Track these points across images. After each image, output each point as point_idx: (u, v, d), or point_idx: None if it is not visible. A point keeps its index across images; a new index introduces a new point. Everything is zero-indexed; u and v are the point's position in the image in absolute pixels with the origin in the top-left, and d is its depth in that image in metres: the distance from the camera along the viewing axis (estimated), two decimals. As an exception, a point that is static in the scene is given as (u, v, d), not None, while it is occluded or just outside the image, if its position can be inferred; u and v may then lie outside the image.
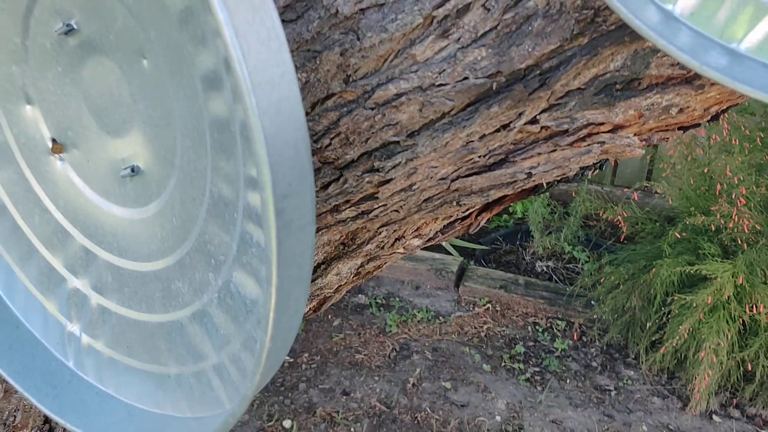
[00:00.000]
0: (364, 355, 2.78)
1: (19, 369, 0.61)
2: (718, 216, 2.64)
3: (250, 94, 0.33)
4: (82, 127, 0.54)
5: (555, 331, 3.03)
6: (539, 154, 0.59)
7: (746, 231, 2.57)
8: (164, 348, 0.54)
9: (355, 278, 0.75)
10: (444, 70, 0.52)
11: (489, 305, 3.14)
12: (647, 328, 2.73)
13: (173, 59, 0.44)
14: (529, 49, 0.51)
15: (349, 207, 0.62)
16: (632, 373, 2.84)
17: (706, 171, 2.76)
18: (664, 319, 2.69)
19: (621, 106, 0.55)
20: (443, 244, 3.40)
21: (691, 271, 2.60)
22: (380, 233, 0.67)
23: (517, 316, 3.10)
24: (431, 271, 3.27)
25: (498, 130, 0.56)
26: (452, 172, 0.60)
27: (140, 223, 0.53)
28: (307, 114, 0.55)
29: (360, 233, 0.67)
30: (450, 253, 3.40)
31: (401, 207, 0.63)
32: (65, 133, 0.56)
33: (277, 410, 2.46)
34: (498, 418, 2.50)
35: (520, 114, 0.55)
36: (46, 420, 0.75)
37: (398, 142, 0.56)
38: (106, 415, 0.57)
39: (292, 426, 2.39)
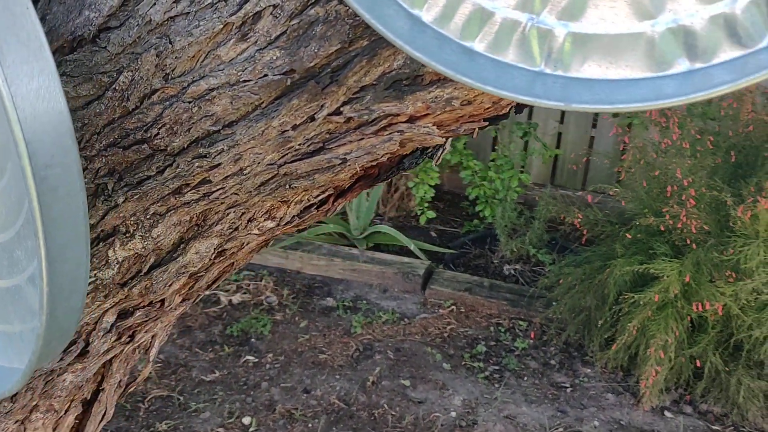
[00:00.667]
0: (328, 355, 2.86)
1: None
2: (668, 217, 2.72)
3: (4, 83, 0.42)
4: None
5: (517, 331, 3.11)
6: (350, 142, 0.68)
7: (694, 231, 2.65)
8: (11, 309, 0.63)
9: (221, 258, 0.84)
10: (246, 69, 0.61)
11: (453, 307, 3.22)
12: (600, 326, 2.81)
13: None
14: (316, 50, 0.60)
15: (190, 190, 0.71)
16: (589, 370, 2.91)
17: (657, 173, 2.84)
18: (616, 317, 2.77)
19: (409, 99, 0.64)
20: (412, 248, 3.49)
21: (643, 271, 2.68)
22: (228, 214, 0.76)
23: (480, 317, 3.18)
24: (399, 275, 3.36)
25: (307, 121, 0.65)
26: (279, 159, 0.69)
27: (-11, 201, 0.62)
28: (135, 108, 0.64)
29: (209, 215, 0.76)
30: (418, 257, 3.49)
31: (239, 190, 0.72)
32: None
33: (237, 408, 2.54)
34: (453, 413, 2.58)
35: (322, 106, 0.64)
36: None
37: (219, 131, 0.65)
38: (-31, 370, 0.66)
39: (251, 422, 2.47)
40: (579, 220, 3.02)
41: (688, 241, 2.70)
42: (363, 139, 0.68)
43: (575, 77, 0.53)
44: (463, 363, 2.89)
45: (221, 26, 0.60)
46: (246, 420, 2.48)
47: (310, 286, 3.33)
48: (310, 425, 2.48)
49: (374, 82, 0.63)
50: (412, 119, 0.67)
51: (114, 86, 0.63)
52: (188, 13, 0.59)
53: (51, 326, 0.51)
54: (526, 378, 2.85)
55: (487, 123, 0.74)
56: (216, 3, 0.59)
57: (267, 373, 2.73)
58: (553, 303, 3.04)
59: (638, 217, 2.84)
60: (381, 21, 0.54)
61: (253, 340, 2.92)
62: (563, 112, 4.18)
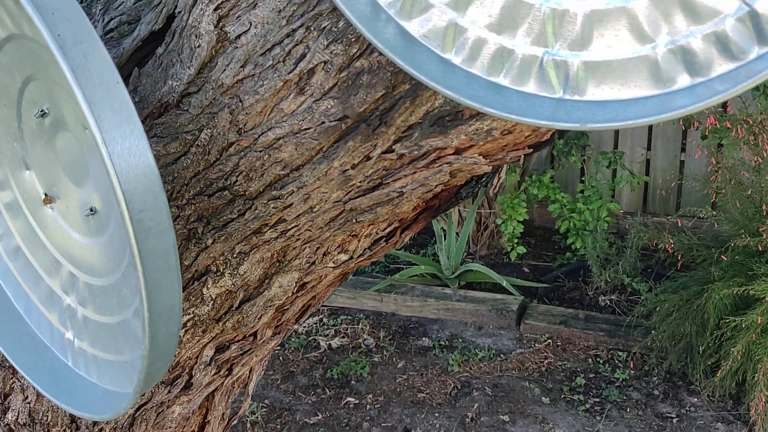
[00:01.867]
0: (426, 393, 2.90)
1: (33, 367, 0.81)
2: (765, 236, 2.65)
3: (102, 144, 0.52)
4: (61, 183, 0.75)
5: (616, 361, 3.07)
6: (405, 176, 0.76)
7: (794, 249, 2.57)
8: (122, 341, 0.73)
9: (303, 291, 0.92)
10: (306, 118, 0.70)
11: (550, 341, 3.21)
12: (702, 352, 2.74)
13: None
14: (364, 97, 0.68)
15: (269, 229, 0.80)
16: (695, 399, 2.83)
17: (749, 193, 2.78)
18: (718, 342, 2.69)
19: (453, 133, 0.71)
20: (504, 284, 3.50)
21: (743, 293, 2.61)
22: (304, 249, 0.85)
23: (578, 350, 3.15)
24: (492, 312, 3.38)
25: (364, 160, 0.73)
26: (343, 196, 0.78)
27: (99, 248, 0.73)
28: (216, 160, 0.74)
29: (288, 251, 0.84)
30: (511, 293, 3.50)
31: (311, 226, 0.81)
32: (51, 188, 0.77)
33: (341, 448, 2.61)
34: (554, 447, 2.56)
35: (375, 146, 0.72)
36: (73, 419, 0.95)
37: (288, 175, 0.74)
38: (89, 397, 0.76)
39: (355, 462, 2.53)
40: (671, 245, 2.97)
41: (790, 260, 2.61)
42: (416, 172, 0.75)
43: (591, 100, 0.59)
44: (563, 396, 2.87)
45: (282, 83, 0.69)
46: (349, 460, 2.55)
47: (406, 327, 3.40)
48: (411, 463, 2.52)
49: (420, 121, 0.71)
50: (458, 151, 0.74)
51: (197, 143, 0.74)
52: (253, 75, 0.69)
53: (153, 348, 0.60)
54: (628, 409, 2.80)
55: (531, 150, 0.80)
56: (275, 64, 0.68)
57: (368, 414, 2.80)
58: (652, 331, 2.98)
59: (734, 239, 2.77)
60: (415, 66, 0.61)
61: (353, 382, 3.00)
62: (650, 139, 4.13)
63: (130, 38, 0.75)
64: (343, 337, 3.32)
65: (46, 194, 0.78)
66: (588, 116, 0.58)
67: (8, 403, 0.93)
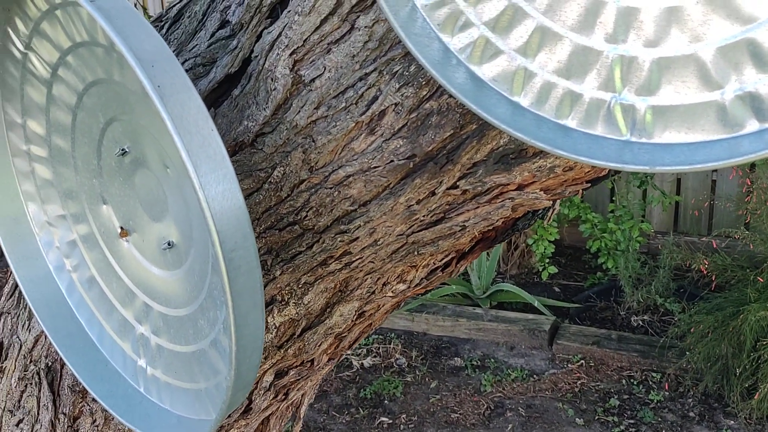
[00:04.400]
0: (460, 414, 2.91)
1: (108, 394, 0.84)
2: (801, 257, 2.64)
3: (200, 189, 0.55)
4: (137, 217, 0.78)
5: (650, 383, 3.05)
6: (467, 210, 0.78)
7: (831, 270, 2.56)
8: (197, 370, 0.76)
9: (361, 319, 0.95)
10: (375, 157, 0.73)
11: (583, 361, 3.20)
12: (739, 374, 2.72)
13: (183, 170, 0.67)
14: (433, 137, 0.71)
15: (334, 261, 0.83)
16: (732, 422, 2.81)
17: (784, 213, 2.77)
18: (755, 364, 2.68)
19: (517, 170, 0.74)
20: (536, 304, 3.50)
21: (780, 315, 2.60)
22: (366, 280, 0.87)
23: (611, 371, 3.14)
24: (524, 332, 3.38)
25: (429, 195, 0.76)
26: (407, 230, 0.80)
27: (176, 281, 0.76)
28: (287, 196, 0.77)
29: (350, 281, 0.87)
30: (543, 313, 3.50)
31: (375, 258, 0.83)
32: (128, 222, 0.80)
33: (376, 468, 2.62)
34: (590, 469, 2.55)
35: (441, 182, 0.75)
36: (136, 443, 0.98)
37: (356, 210, 0.77)
38: (163, 423, 0.80)
39: (390, 482, 2.54)
40: (705, 266, 2.96)
41: (827, 281, 2.60)
42: (479, 207, 0.78)
43: (658, 143, 0.61)
44: (597, 417, 2.86)
45: (353, 124, 0.72)
46: (384, 480, 2.56)
47: (438, 346, 3.41)
48: (447, 484, 2.52)
49: (484, 158, 0.74)
50: (520, 187, 0.76)
51: (269, 180, 0.77)
52: (327, 116, 0.72)
53: (237, 380, 0.63)
54: (664, 431, 2.78)
55: (589, 185, 0.83)
56: (348, 106, 0.71)
57: (402, 434, 2.81)
58: (687, 352, 2.97)
59: (769, 260, 2.76)
60: (485, 109, 0.64)
61: (386, 401, 3.01)
62: (681, 158, 4.12)
63: (205, 80, 0.79)
64: (375, 356, 3.34)
65: (122, 228, 0.81)
66: (656, 158, 0.60)
67: (77, 425, 0.96)
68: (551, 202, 0.81)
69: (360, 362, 3.28)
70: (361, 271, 0.86)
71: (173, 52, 0.84)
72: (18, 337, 1.00)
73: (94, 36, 0.69)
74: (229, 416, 1.00)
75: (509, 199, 0.77)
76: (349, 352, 1.07)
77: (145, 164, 0.74)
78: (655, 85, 0.60)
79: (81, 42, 0.71)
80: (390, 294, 0.92)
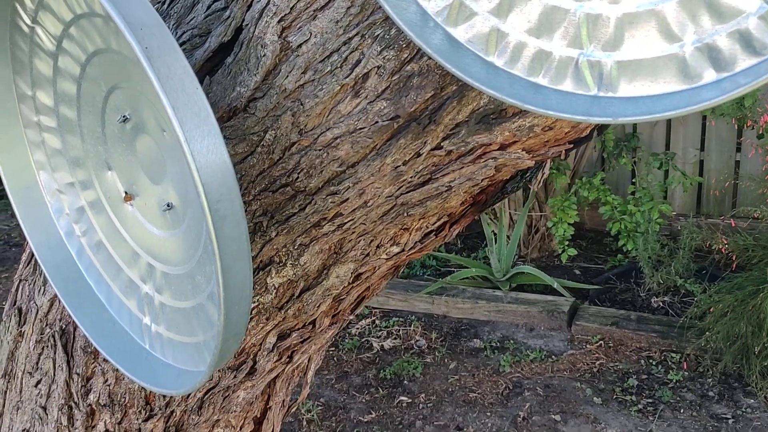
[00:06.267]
0: (478, 393, 2.94)
1: (116, 351, 0.89)
2: (821, 235, 2.62)
3: (185, 143, 0.59)
4: (140, 182, 0.83)
5: (669, 363, 3.06)
6: (453, 171, 0.81)
7: None
8: (196, 324, 0.80)
9: (358, 282, 0.98)
10: (361, 118, 0.76)
11: (601, 342, 3.21)
12: (759, 353, 2.72)
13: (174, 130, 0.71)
14: (415, 98, 0.74)
15: (327, 222, 0.86)
16: (752, 401, 2.81)
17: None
18: (774, 343, 2.67)
19: (497, 130, 0.77)
20: (555, 286, 3.52)
21: (799, 293, 2.59)
22: (359, 242, 0.91)
23: (630, 351, 3.15)
24: (544, 313, 3.39)
25: (414, 156, 0.80)
26: (395, 191, 0.84)
27: (176, 240, 0.80)
28: (279, 158, 0.81)
29: (344, 243, 0.91)
30: (562, 295, 3.51)
31: (366, 220, 0.87)
32: (131, 186, 0.85)
33: (394, 445, 2.66)
34: (606, 447, 2.57)
35: (425, 143, 0.78)
36: (147, 401, 1.03)
37: (344, 171, 0.81)
38: (165, 376, 0.84)
39: (408, 459, 2.59)
40: (726, 246, 2.95)
41: None
42: (463, 167, 0.81)
43: (623, 97, 0.64)
44: (615, 397, 2.87)
45: (339, 87, 0.76)
46: (403, 457, 2.60)
47: (457, 328, 3.44)
48: (464, 461, 2.56)
49: (466, 119, 0.77)
50: (503, 147, 0.79)
51: (262, 143, 0.81)
52: (313, 80, 0.76)
53: (227, 326, 0.67)
54: (682, 410, 2.79)
55: (572, 146, 0.85)
56: (333, 70, 0.75)
57: (420, 413, 2.85)
58: (706, 332, 2.97)
59: (790, 238, 2.75)
60: (461, 69, 0.67)
61: (405, 382, 3.05)
62: (703, 140, 4.10)
63: (201, 49, 0.83)
64: (395, 338, 3.38)
65: (126, 192, 0.86)
66: (620, 111, 0.62)
67: (90, 385, 1.02)
68: (535, 163, 0.84)
69: (380, 344, 3.33)
70: (353, 232, 0.89)
71: (173, 25, 0.89)
72: (35, 302, 1.05)
73: (92, 7, 0.73)
74: (235, 376, 1.04)
75: (492, 158, 0.80)
76: (351, 316, 1.11)
77: (145, 129, 0.78)
78: (619, 40, 0.63)
79: (81, 14, 0.76)
80: (384, 256, 0.95)
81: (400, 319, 3.54)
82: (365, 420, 2.82)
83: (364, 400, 2.94)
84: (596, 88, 0.65)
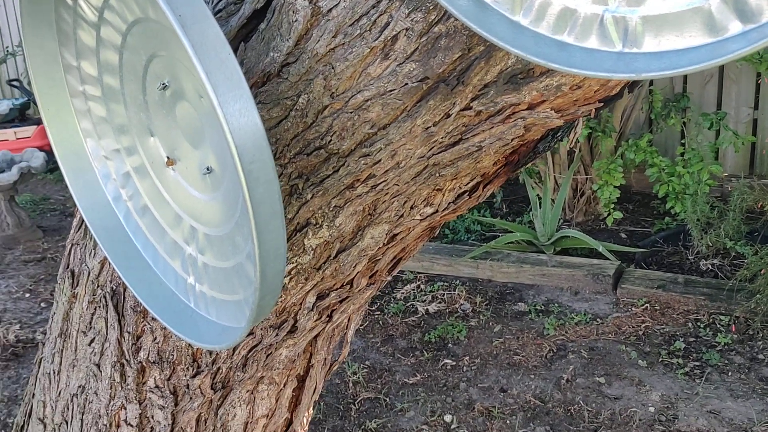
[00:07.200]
0: (522, 356, 2.96)
1: (163, 310, 0.93)
2: None
3: (218, 106, 0.62)
4: (181, 147, 0.86)
5: (717, 326, 3.03)
6: (483, 131, 0.83)
7: None
8: (236, 282, 0.84)
9: (393, 243, 1.01)
10: (390, 80, 0.78)
11: (647, 305, 3.19)
12: (809, 315, 2.67)
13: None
14: (443, 59, 0.76)
15: (360, 184, 0.89)
16: (803, 363, 2.77)
17: None
18: (826, 304, 2.62)
19: (525, 90, 0.78)
20: (600, 249, 3.49)
21: None
22: (393, 203, 0.93)
23: (677, 314, 3.12)
24: (589, 276, 3.38)
25: (444, 117, 0.81)
26: (427, 151, 0.85)
27: (215, 202, 0.83)
28: (313, 122, 0.83)
29: (378, 204, 0.93)
30: (608, 259, 3.49)
31: (398, 181, 0.89)
32: (173, 152, 0.88)
33: (439, 407, 2.71)
34: (651, 408, 2.57)
35: (454, 104, 0.79)
36: (194, 358, 1.08)
37: (376, 133, 0.82)
38: (210, 332, 0.88)
39: (452, 420, 2.63)
40: (776, 206, 2.89)
41: None
42: (493, 127, 0.82)
43: (648, 52, 0.64)
44: (660, 360, 2.86)
45: (368, 50, 0.77)
46: (447, 418, 2.64)
47: (502, 292, 3.45)
48: (508, 422, 2.59)
49: (494, 79, 0.78)
50: (531, 107, 0.80)
51: (295, 107, 0.83)
52: (344, 44, 0.78)
53: (263, 282, 0.70)
54: (730, 373, 2.76)
55: (602, 104, 0.86)
56: (363, 33, 0.76)
57: (465, 375, 2.88)
58: (756, 294, 2.92)
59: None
60: (487, 29, 0.68)
61: (450, 345, 3.09)
62: (757, 99, 3.99)
63: (236, 17, 0.85)
64: (440, 302, 3.41)
65: (168, 157, 0.89)
66: (645, 66, 0.63)
67: (140, 343, 1.07)
68: (565, 123, 0.84)
69: (425, 308, 3.36)
70: (386, 193, 0.91)
71: (209, -6, 0.91)
72: (86, 264, 1.10)
73: (129, -23, 0.76)
74: (277, 334, 1.08)
75: (521, 118, 0.81)
76: (389, 277, 1.13)
77: (184, 96, 0.81)
78: (643, -5, 0.63)
79: (120, -16, 0.78)
80: (418, 217, 0.97)
81: (445, 283, 3.57)
82: (410, 382, 2.86)
83: (409, 363, 2.99)
84: (621, 44, 0.65)
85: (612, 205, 3.65)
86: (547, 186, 3.79)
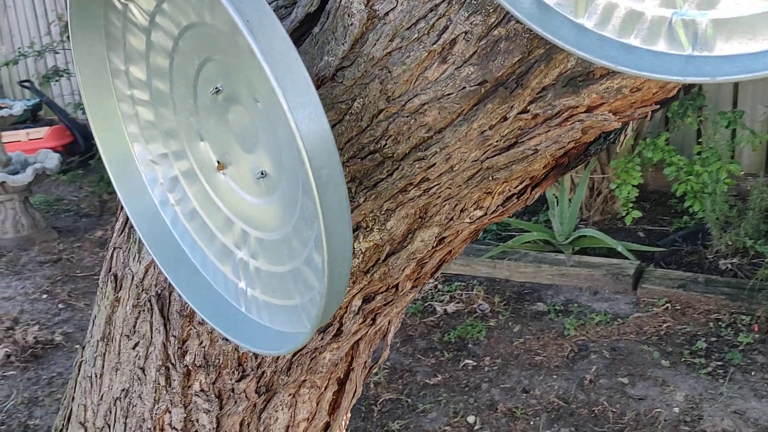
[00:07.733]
0: (543, 356, 2.95)
1: (214, 315, 0.93)
2: None
3: (289, 112, 0.61)
4: (232, 151, 0.86)
5: (739, 325, 3.02)
6: (539, 134, 0.82)
7: None
8: (292, 287, 0.83)
9: (441, 246, 1.00)
10: (448, 84, 0.78)
11: (668, 305, 3.18)
12: (833, 314, 2.66)
13: (271, 101, 0.74)
14: (502, 62, 0.75)
15: (413, 188, 0.88)
16: (826, 363, 2.76)
17: None
18: None
19: (585, 92, 0.77)
20: (619, 249, 3.48)
21: None
22: (444, 206, 0.93)
23: (698, 314, 3.11)
24: (608, 276, 3.37)
25: (501, 120, 0.81)
26: (481, 155, 0.85)
27: (270, 207, 0.83)
28: (367, 126, 0.83)
29: (429, 208, 0.93)
30: (627, 258, 3.48)
31: (451, 185, 0.89)
32: (224, 156, 0.88)
33: (461, 408, 2.70)
34: (676, 409, 2.56)
35: (512, 107, 0.79)
36: (240, 362, 1.08)
37: (432, 137, 0.82)
38: (264, 338, 0.88)
39: (475, 421, 2.63)
40: (798, 204, 2.88)
41: None
42: (549, 131, 0.82)
43: (719, 56, 0.63)
44: (683, 360, 2.85)
45: (426, 54, 0.77)
46: (470, 419, 2.64)
47: (520, 292, 3.45)
48: (531, 423, 2.59)
49: (553, 82, 0.77)
50: (589, 109, 0.80)
51: (350, 111, 0.83)
52: (401, 47, 0.77)
53: (330, 288, 0.70)
54: (753, 373, 2.75)
55: (658, 106, 0.85)
56: (421, 36, 0.76)
57: (486, 375, 2.88)
58: (778, 294, 2.91)
59: None
60: (551, 32, 0.68)
61: (470, 345, 3.08)
62: (773, 96, 3.97)
63: (288, 20, 0.85)
64: (458, 302, 3.41)
65: (219, 161, 0.89)
66: (717, 70, 0.62)
67: (186, 347, 1.07)
68: (621, 125, 0.84)
69: (444, 308, 3.36)
70: (439, 197, 0.91)
71: (258, -3, 0.91)
72: (130, 268, 1.10)
73: (188, -18, 0.75)
74: (322, 338, 1.08)
75: (579, 121, 0.80)
76: (432, 280, 1.13)
77: (237, 100, 0.81)
78: (715, -2, 0.62)
79: (176, -11, 0.78)
80: (468, 220, 0.97)
81: (462, 283, 3.56)
82: (431, 383, 2.86)
83: (429, 363, 2.99)
84: (691, 47, 0.64)
85: (630, 205, 3.64)
86: (563, 185, 3.78)
